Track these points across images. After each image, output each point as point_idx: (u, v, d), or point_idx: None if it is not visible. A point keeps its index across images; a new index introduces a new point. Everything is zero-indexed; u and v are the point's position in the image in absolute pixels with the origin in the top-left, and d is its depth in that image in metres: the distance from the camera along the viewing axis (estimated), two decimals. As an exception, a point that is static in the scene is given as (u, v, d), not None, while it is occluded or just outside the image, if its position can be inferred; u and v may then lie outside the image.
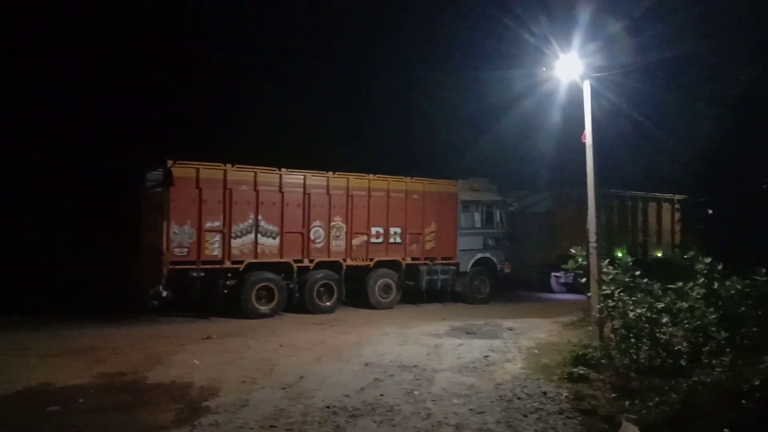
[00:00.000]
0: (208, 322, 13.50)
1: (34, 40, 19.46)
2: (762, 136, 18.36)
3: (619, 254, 10.80)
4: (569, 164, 17.07)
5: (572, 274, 12.98)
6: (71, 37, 19.80)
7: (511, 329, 12.63)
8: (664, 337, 8.13)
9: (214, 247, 13.69)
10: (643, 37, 15.22)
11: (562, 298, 19.65)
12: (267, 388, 7.72)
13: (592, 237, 10.49)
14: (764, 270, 7.82)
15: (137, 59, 21.06)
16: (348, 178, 15.68)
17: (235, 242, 13.95)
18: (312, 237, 15.04)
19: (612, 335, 8.73)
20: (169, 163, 13.28)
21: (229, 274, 13.89)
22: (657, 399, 6.74)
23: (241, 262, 14.01)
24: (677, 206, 23.06)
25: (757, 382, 6.41)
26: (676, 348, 8.00)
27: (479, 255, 17.93)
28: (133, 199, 14.55)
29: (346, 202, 15.56)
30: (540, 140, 22.07)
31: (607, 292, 8.87)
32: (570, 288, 19.95)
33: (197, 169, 13.55)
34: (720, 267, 8.42)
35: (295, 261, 14.79)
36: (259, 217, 14.27)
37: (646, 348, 8.11)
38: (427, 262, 16.97)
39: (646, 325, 8.16)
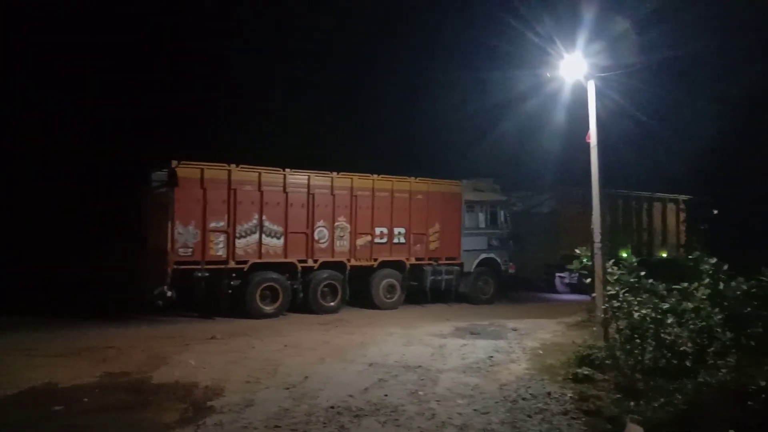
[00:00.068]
0: (213, 322, 13.52)
1: (39, 40, 19.55)
2: (767, 136, 18.31)
3: (624, 255, 10.77)
4: (574, 164, 17.02)
5: (577, 274, 12.98)
6: (75, 38, 19.87)
7: (515, 330, 12.61)
8: (669, 337, 8.09)
9: (218, 248, 13.71)
10: (648, 36, 15.14)
11: (567, 299, 19.60)
12: (271, 388, 7.73)
13: (597, 237, 10.47)
14: (770, 270, 7.80)
15: (140, 59, 21.13)
16: (352, 178, 15.68)
17: (239, 242, 13.96)
18: (316, 237, 15.05)
19: (617, 336, 8.72)
20: (174, 163, 13.31)
21: (234, 274, 13.91)
22: (662, 400, 6.72)
23: (245, 262, 14.02)
24: (682, 206, 23.03)
25: (762, 383, 6.40)
26: (681, 349, 7.96)
27: (483, 255, 17.91)
28: (138, 200, 14.58)
29: (350, 203, 15.56)
30: (544, 140, 22.03)
31: (611, 292, 8.86)
32: (574, 288, 19.91)
33: (202, 170, 13.58)
34: (725, 267, 8.39)
35: (300, 261, 14.80)
36: (264, 218, 14.29)
37: (651, 349, 8.08)
38: (431, 262, 16.96)
39: (651, 325, 8.14)
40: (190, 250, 13.35)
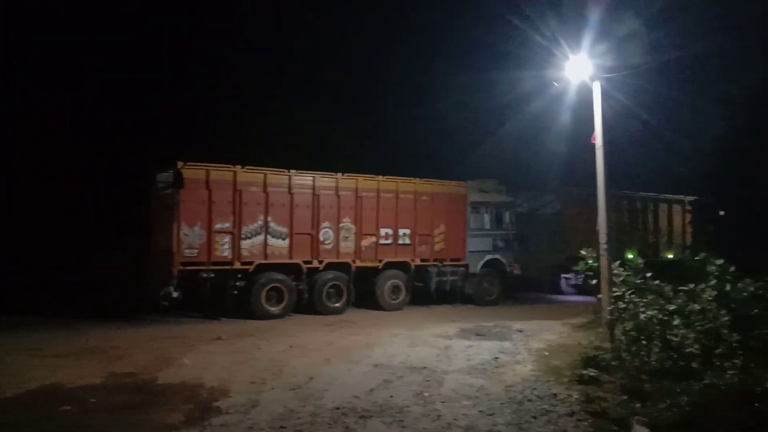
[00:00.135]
0: (218, 322, 13.55)
1: (44, 41, 19.58)
2: (773, 137, 18.25)
3: (630, 256, 10.78)
4: (579, 165, 17.01)
5: (582, 275, 12.96)
6: (79, 38, 19.91)
7: (520, 331, 12.58)
8: (675, 339, 8.08)
9: (223, 248, 13.74)
10: (654, 37, 15.13)
11: (572, 300, 19.55)
12: (277, 389, 7.74)
13: (603, 238, 10.46)
14: (776, 272, 7.78)
15: (145, 60, 21.16)
16: (357, 179, 15.69)
17: (244, 243, 13.99)
18: (321, 238, 15.06)
19: (623, 337, 8.70)
20: (179, 164, 13.35)
21: (239, 275, 13.93)
22: (668, 401, 6.70)
23: (250, 263, 14.05)
24: (688, 207, 22.96)
25: (769, 385, 6.38)
26: (687, 350, 7.94)
27: (489, 256, 17.89)
28: (144, 201, 14.63)
29: (355, 204, 15.57)
30: (550, 141, 21.99)
31: (617, 293, 8.86)
32: (580, 290, 19.87)
33: (207, 171, 13.61)
34: (732, 269, 8.37)
35: (305, 262, 14.82)
36: (269, 219, 14.31)
37: (657, 350, 8.06)
38: (436, 263, 16.95)
39: (657, 326, 8.13)
40: (196, 251, 13.39)
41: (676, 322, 8.14)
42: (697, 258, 9.00)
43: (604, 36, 11.19)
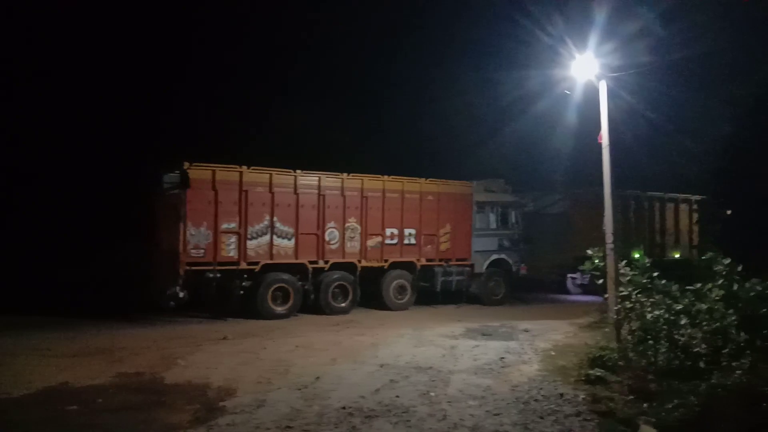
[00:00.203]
0: (224, 322, 13.58)
1: (49, 42, 19.65)
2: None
3: (637, 255, 10.71)
4: (585, 165, 16.98)
5: (588, 275, 12.92)
6: (84, 39, 19.99)
7: (527, 331, 12.56)
8: (682, 339, 8.04)
9: (230, 249, 13.77)
10: (660, 36, 15.08)
11: (579, 300, 19.50)
12: (283, 389, 7.76)
13: (609, 238, 10.42)
14: (785, 271, 7.74)
15: (151, 61, 21.21)
16: (362, 179, 15.70)
17: (250, 243, 14.02)
18: (327, 238, 15.08)
19: (629, 337, 8.67)
20: (186, 165, 13.39)
21: (245, 275, 13.97)
22: (675, 401, 6.68)
23: (256, 263, 14.08)
24: (695, 206, 22.84)
25: (777, 385, 6.34)
26: (694, 350, 7.90)
27: (494, 256, 17.87)
28: (150, 201, 14.68)
29: (360, 204, 15.58)
30: (556, 140, 21.96)
31: (624, 293, 8.81)
32: (586, 289, 19.80)
33: (213, 171, 13.65)
34: (739, 268, 8.32)
35: (310, 262, 14.84)
36: (275, 219, 14.34)
37: (664, 350, 8.02)
38: (442, 263, 16.94)
39: (664, 326, 8.09)
40: (202, 251, 13.42)
41: (683, 321, 8.10)
42: (704, 257, 8.94)
43: (611, 35, 11.16)
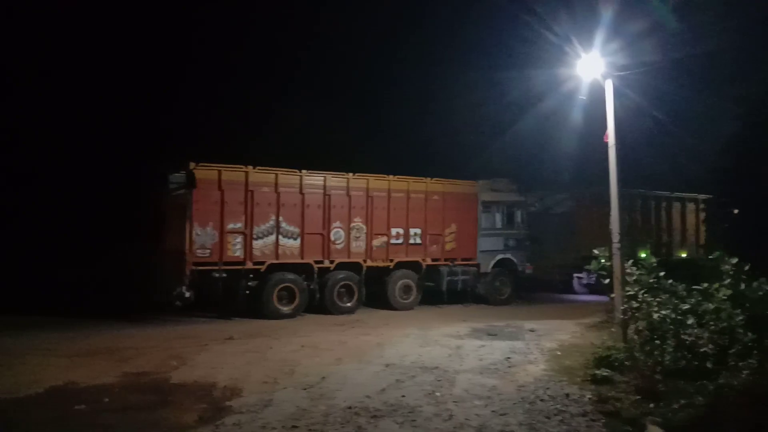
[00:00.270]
0: (230, 322, 13.62)
1: (55, 43, 19.72)
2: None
3: (643, 255, 10.70)
4: (591, 164, 16.90)
5: (595, 275, 12.88)
6: (90, 40, 20.05)
7: (533, 331, 12.54)
8: (689, 338, 8.02)
9: (236, 249, 13.81)
10: (667, 35, 15.02)
11: (585, 300, 19.47)
12: (289, 389, 7.76)
13: (615, 237, 10.39)
14: (792, 270, 7.70)
15: (152, 61, 21.25)
16: (368, 179, 15.71)
17: (256, 243, 14.05)
18: (332, 238, 15.09)
19: (636, 337, 8.65)
20: (192, 165, 13.43)
21: (251, 275, 13.99)
22: (682, 402, 6.66)
23: (262, 263, 14.11)
24: (702, 206, 22.76)
25: (785, 385, 6.31)
26: (701, 350, 7.88)
27: (500, 256, 17.84)
28: (156, 201, 14.71)
29: (366, 203, 15.59)
30: (562, 140, 21.88)
31: (630, 293, 8.80)
32: (592, 289, 19.76)
33: (219, 171, 13.69)
34: (747, 268, 8.29)
35: (316, 262, 14.85)
36: (280, 219, 14.36)
37: (671, 350, 8.00)
38: (447, 263, 16.93)
39: (671, 326, 8.07)
40: (208, 251, 13.46)
41: (690, 321, 8.08)
42: (711, 257, 8.91)
43: (616, 34, 11.11)
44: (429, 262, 16.62)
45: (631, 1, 13.06)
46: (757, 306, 7.86)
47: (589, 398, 7.36)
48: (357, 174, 15.54)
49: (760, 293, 7.90)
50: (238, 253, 13.84)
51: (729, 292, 8.18)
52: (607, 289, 10.51)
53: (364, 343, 11.03)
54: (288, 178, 14.59)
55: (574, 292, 21.31)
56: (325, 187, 15.02)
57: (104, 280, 15.78)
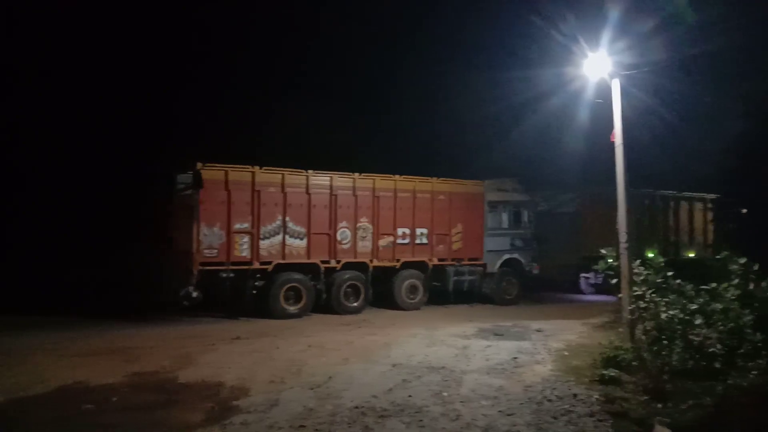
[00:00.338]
0: (237, 322, 13.65)
1: (61, 44, 19.80)
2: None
3: (651, 255, 10.65)
4: (598, 163, 16.85)
5: (602, 275, 12.84)
6: (96, 41, 20.14)
7: (540, 331, 12.51)
8: (697, 338, 7.99)
9: (243, 248, 13.84)
10: (673, 34, 14.95)
11: (592, 300, 19.40)
12: (296, 388, 7.78)
13: (623, 237, 10.35)
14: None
15: (155, 62, 21.32)
16: (374, 179, 15.70)
17: (263, 243, 14.08)
18: (339, 238, 15.10)
19: (643, 337, 8.62)
20: (199, 165, 13.47)
21: (258, 275, 14.02)
22: (690, 402, 6.64)
23: (269, 263, 14.13)
24: (710, 205, 22.66)
25: (794, 386, 6.28)
26: (709, 350, 7.85)
27: (507, 256, 17.80)
28: (164, 201, 14.78)
29: (372, 203, 15.59)
30: (568, 139, 21.82)
31: (638, 293, 8.77)
32: (599, 289, 19.70)
33: (226, 172, 13.72)
34: (755, 267, 8.26)
35: (323, 262, 14.87)
36: (287, 219, 14.39)
37: (679, 350, 7.97)
38: (454, 263, 16.91)
39: (679, 326, 8.04)
40: (215, 251, 13.50)
41: (698, 321, 8.05)
42: (719, 257, 8.87)
43: (623, 33, 11.07)
44: (435, 262, 16.60)
45: (638, 0, 13.02)
46: (766, 306, 7.84)
47: (597, 398, 7.35)
48: (363, 174, 15.54)
49: (769, 293, 7.87)
50: (245, 253, 13.87)
51: (737, 292, 8.15)
52: (615, 289, 10.47)
53: (370, 343, 11.04)
54: (294, 178, 14.61)
55: (581, 292, 21.23)
56: (331, 187, 15.04)
57: (111, 280, 15.87)
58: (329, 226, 14.98)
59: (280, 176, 14.39)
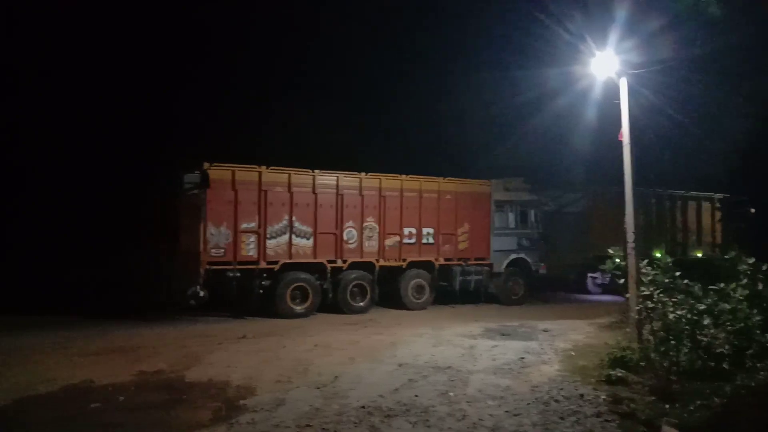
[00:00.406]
0: (243, 321, 13.68)
1: (66, 44, 19.87)
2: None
3: (658, 254, 10.57)
4: (606, 163, 16.78)
5: (609, 274, 12.79)
6: (101, 41, 20.19)
7: (546, 331, 12.48)
8: (705, 339, 7.93)
9: (249, 248, 13.87)
10: (682, 32, 14.87)
11: (599, 300, 19.35)
12: (302, 388, 7.79)
13: (630, 237, 10.30)
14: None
15: (156, 62, 21.36)
16: (380, 178, 15.71)
17: (270, 243, 14.11)
18: (345, 237, 15.11)
19: (651, 337, 8.56)
20: (206, 165, 13.52)
21: (265, 275, 14.06)
22: (698, 403, 6.60)
23: (276, 263, 14.16)
24: (718, 205, 22.54)
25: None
26: (717, 351, 7.80)
27: (514, 255, 17.77)
28: (171, 201, 14.82)
29: (378, 203, 15.59)
30: (576, 138, 21.74)
31: (645, 293, 8.70)
32: (607, 289, 19.64)
33: (233, 171, 13.76)
34: (764, 267, 8.20)
35: (329, 261, 14.89)
36: (293, 218, 14.41)
37: (687, 350, 7.92)
38: (460, 262, 16.89)
39: (687, 327, 7.98)
40: (222, 250, 13.54)
41: (706, 322, 7.99)
42: (727, 257, 8.82)
43: (631, 31, 11.02)
44: (442, 261, 16.59)
45: (645, -1, 12.96)
46: (775, 306, 7.78)
47: (604, 399, 7.32)
48: (370, 174, 15.55)
49: (778, 293, 7.82)
50: (251, 253, 13.90)
51: (746, 292, 8.09)
52: (622, 289, 10.41)
53: (377, 343, 11.04)
54: (301, 177, 14.64)
55: (588, 292, 21.18)
56: (337, 186, 15.06)
57: (119, 279, 15.92)
58: (336, 225, 15.00)
59: (286, 176, 14.42)
